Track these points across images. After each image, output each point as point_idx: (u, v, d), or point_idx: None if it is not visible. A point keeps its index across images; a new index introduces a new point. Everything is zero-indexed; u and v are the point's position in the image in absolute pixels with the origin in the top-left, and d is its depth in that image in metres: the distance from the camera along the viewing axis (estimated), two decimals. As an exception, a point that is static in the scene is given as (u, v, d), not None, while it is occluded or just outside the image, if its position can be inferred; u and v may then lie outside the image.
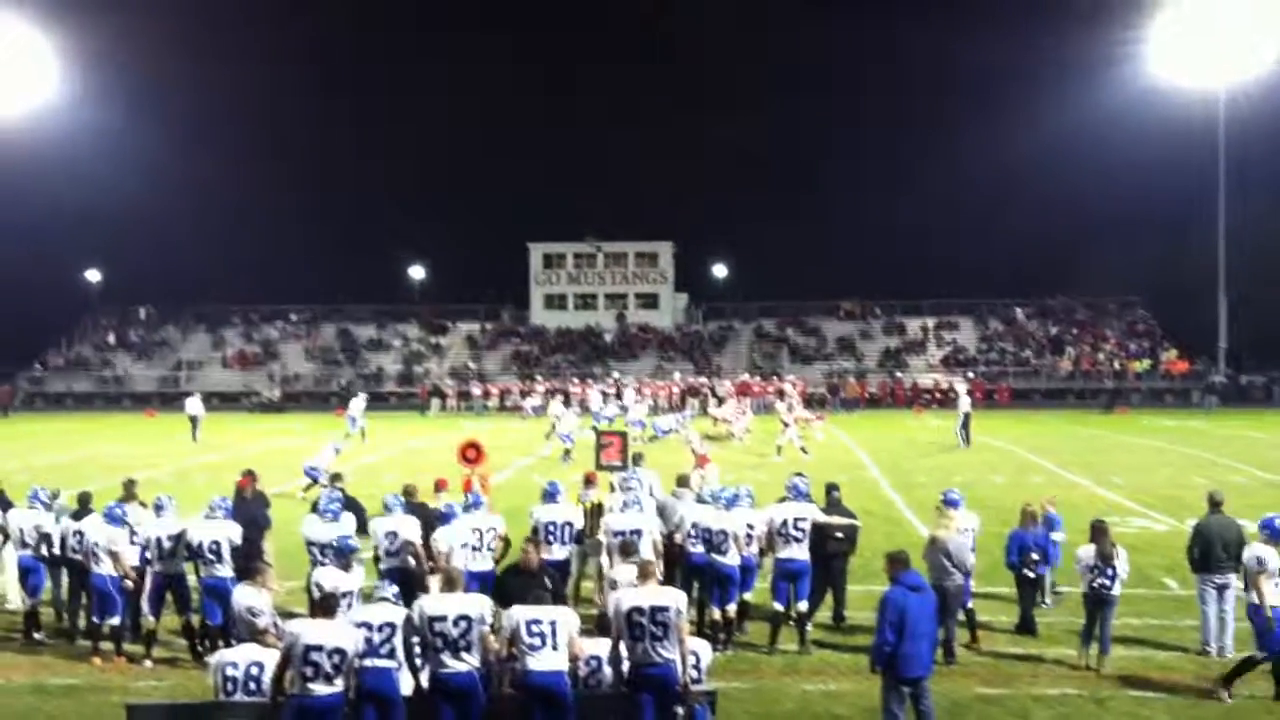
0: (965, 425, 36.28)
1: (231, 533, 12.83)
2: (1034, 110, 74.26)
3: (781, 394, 47.17)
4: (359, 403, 40.51)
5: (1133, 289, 71.39)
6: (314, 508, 13.84)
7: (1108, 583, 12.23)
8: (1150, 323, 69.34)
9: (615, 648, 9.53)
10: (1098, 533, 12.47)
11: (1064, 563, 14.46)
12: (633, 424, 38.78)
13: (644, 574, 9.91)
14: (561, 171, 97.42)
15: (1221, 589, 12.70)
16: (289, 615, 11.88)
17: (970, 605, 13.27)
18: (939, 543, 12.56)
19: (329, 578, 10.92)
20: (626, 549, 11.65)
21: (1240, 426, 44.18)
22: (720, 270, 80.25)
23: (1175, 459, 32.19)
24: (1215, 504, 13.17)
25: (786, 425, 33.50)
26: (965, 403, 36.94)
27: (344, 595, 10.23)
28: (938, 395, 60.04)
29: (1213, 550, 12.72)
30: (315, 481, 23.34)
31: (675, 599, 9.57)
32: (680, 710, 9.51)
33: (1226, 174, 61.89)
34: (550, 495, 13.86)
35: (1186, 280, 66.25)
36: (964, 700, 11.35)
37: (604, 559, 13.45)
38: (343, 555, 11.26)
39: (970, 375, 58.69)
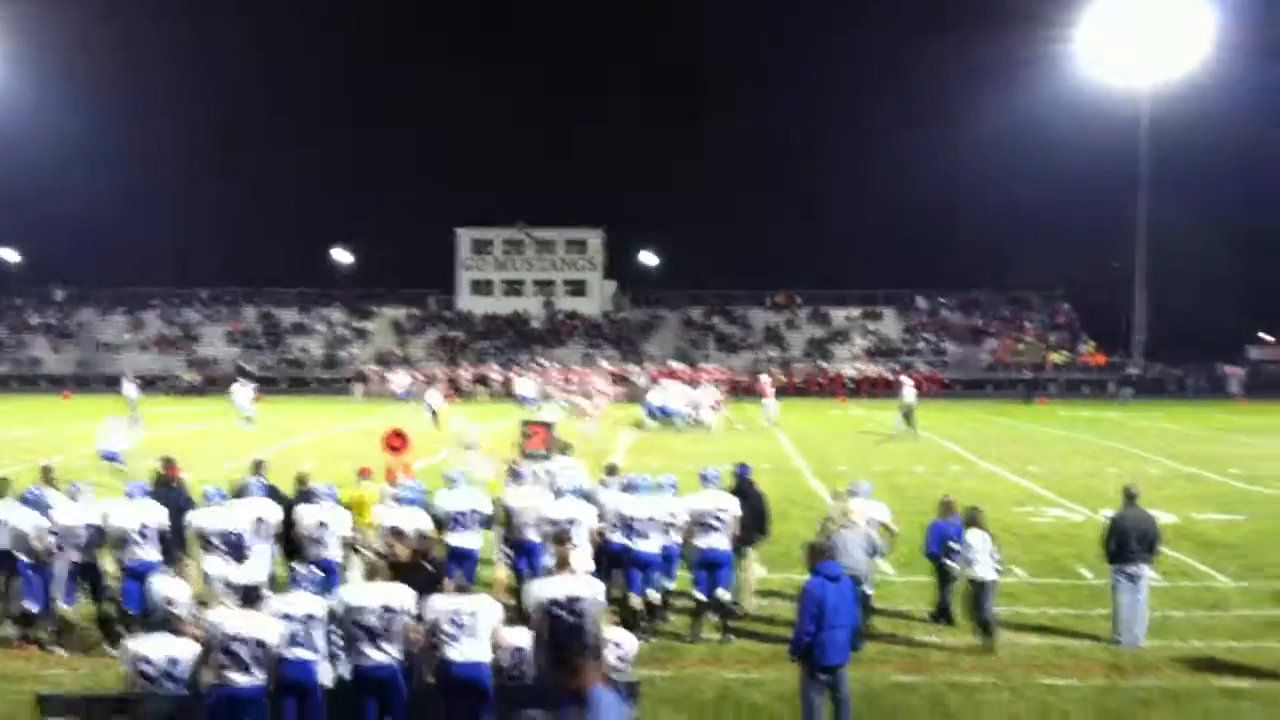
0: (909, 416, 36.52)
1: (159, 516, 12.64)
2: (963, 106, 75.64)
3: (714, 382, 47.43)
4: (245, 390, 39.95)
5: (1055, 283, 72.70)
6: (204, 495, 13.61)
7: (992, 566, 12.65)
8: (1070, 316, 70.63)
9: (537, 637, 9.54)
10: (972, 519, 12.82)
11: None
12: (655, 409, 39.33)
13: (562, 563, 9.94)
14: (491, 157, 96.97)
15: (1135, 579, 12.95)
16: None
17: (869, 592, 13.47)
18: (831, 538, 12.69)
19: (217, 568, 10.77)
20: (559, 539, 11.61)
21: (1155, 418, 45.19)
22: (649, 258, 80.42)
23: (1091, 450, 32.85)
24: (1130, 497, 13.42)
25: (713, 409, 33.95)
26: (910, 394, 37.13)
27: (237, 587, 10.07)
28: (864, 385, 60.67)
29: (1128, 542, 12.96)
30: (113, 461, 23.51)
31: (592, 589, 9.61)
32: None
33: (1148, 172, 63.19)
34: (453, 482, 13.94)
35: (1106, 275, 67.62)
36: (880, 687, 11.50)
37: (496, 551, 13.87)
38: (234, 546, 11.09)
39: (902, 371, 59.27)
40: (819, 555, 10.18)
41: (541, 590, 9.53)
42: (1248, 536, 19.29)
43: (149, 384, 61.17)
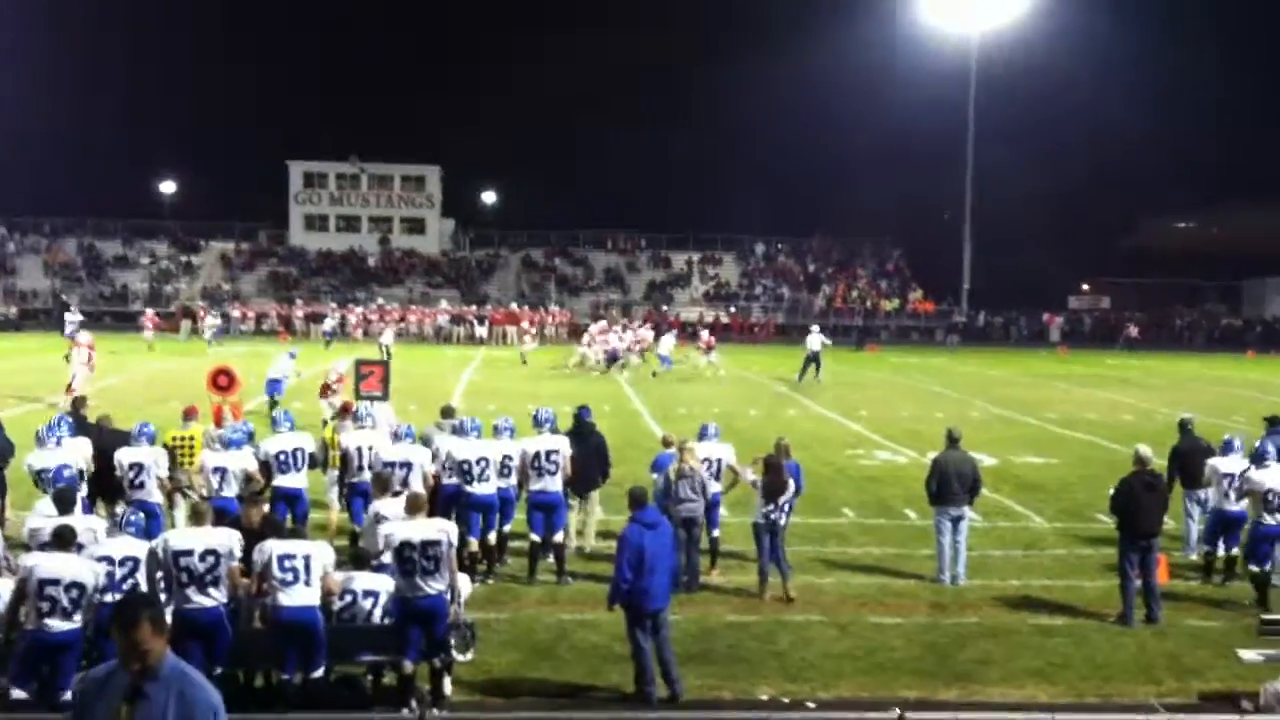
0: (816, 362, 36.55)
1: None
2: (799, 52, 76.23)
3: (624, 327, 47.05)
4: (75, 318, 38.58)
5: (887, 231, 74.49)
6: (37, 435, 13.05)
7: (780, 515, 12.71)
8: (900, 263, 72.54)
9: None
10: (770, 467, 12.88)
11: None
12: (663, 360, 38.91)
13: (414, 507, 9.79)
14: (326, 89, 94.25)
15: (957, 520, 13.38)
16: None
17: (716, 534, 13.68)
18: (683, 471, 12.81)
19: (47, 508, 10.34)
20: (384, 482, 11.39)
21: (979, 364, 46.88)
22: (489, 197, 79.52)
23: (919, 395, 33.90)
24: (953, 440, 13.82)
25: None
26: (815, 341, 37.10)
27: (55, 529, 9.67)
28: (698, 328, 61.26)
29: (949, 483, 13.35)
30: None
31: (447, 531, 9.53)
32: (453, 638, 9.52)
33: (975, 123, 65.03)
34: (276, 423, 13.80)
35: (935, 224, 69.61)
36: (714, 626, 11.71)
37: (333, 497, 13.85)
38: (58, 485, 10.68)
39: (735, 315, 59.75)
40: (637, 502, 10.26)
41: (395, 532, 9.42)
42: (1062, 479, 20.19)
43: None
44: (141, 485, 12.57)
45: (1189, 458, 14.34)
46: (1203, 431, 15.64)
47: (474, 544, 12.94)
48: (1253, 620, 11.08)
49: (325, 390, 21.45)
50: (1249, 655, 10.25)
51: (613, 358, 38.78)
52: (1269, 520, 12.73)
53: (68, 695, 7.99)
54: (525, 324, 51.38)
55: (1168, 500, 12.69)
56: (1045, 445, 24.05)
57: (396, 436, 13.47)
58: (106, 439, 13.52)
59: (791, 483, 12.93)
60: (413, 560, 9.33)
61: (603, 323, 46.04)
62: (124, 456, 12.70)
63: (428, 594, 9.33)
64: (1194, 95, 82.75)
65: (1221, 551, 13.62)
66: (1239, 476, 13.12)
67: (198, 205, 75.37)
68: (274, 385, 24.19)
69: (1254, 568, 12.78)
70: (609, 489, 14.83)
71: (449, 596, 9.48)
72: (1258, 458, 13.10)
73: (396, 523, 9.81)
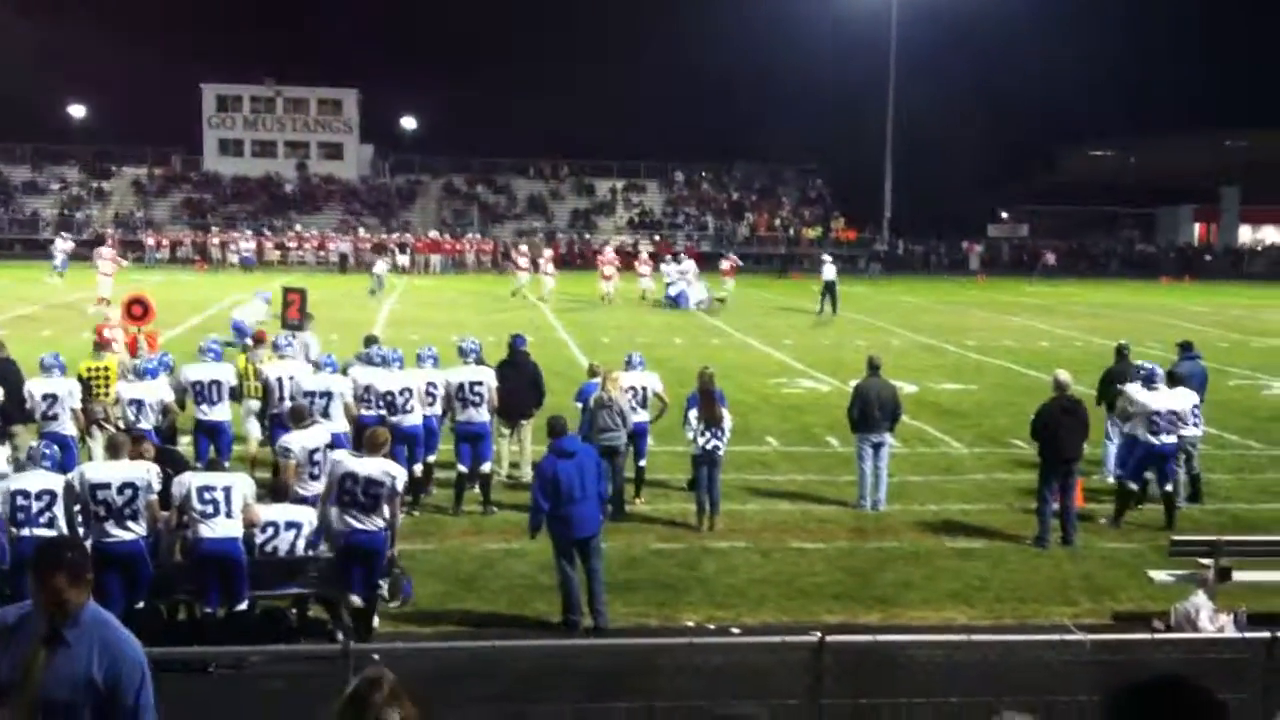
0: (831, 293, 36.27)
1: None
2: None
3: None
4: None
5: (809, 160, 74.52)
6: None
7: (718, 444, 12.72)
8: (823, 191, 72.75)
9: (323, 510, 9.46)
10: (706, 396, 12.85)
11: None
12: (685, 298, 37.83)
13: (373, 445, 9.57)
14: (238, 8, 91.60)
15: (878, 447, 13.54)
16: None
17: (643, 464, 13.72)
18: (603, 400, 12.81)
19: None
20: (299, 414, 11.13)
21: (899, 292, 47.34)
22: (409, 123, 78.06)
23: (840, 323, 34.18)
24: (874, 367, 13.94)
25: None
26: (829, 271, 36.77)
27: None
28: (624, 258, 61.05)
29: (870, 410, 13.48)
30: None
31: (389, 473, 9.38)
32: (384, 582, 9.50)
33: (897, 53, 65.07)
34: (203, 353, 13.69)
35: (858, 154, 69.74)
36: (639, 554, 11.80)
37: (251, 429, 13.91)
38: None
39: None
40: (554, 432, 10.26)
41: (342, 463, 9.34)
42: (980, 405, 20.53)
43: None
44: (55, 417, 12.33)
45: (1118, 381, 14.39)
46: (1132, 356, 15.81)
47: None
48: (1164, 542, 11.38)
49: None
50: (1160, 576, 10.57)
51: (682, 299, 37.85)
52: (1153, 440, 12.85)
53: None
54: (516, 255, 45.62)
55: (1088, 425, 12.89)
56: (964, 372, 24.41)
57: (318, 366, 13.32)
58: (9, 370, 13.22)
59: (726, 411, 12.96)
60: (353, 494, 9.25)
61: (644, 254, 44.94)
62: (36, 388, 12.44)
63: (364, 530, 9.27)
64: (1113, 27, 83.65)
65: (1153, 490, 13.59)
66: (1128, 396, 13.25)
67: (108, 129, 73.20)
68: (240, 329, 21.49)
69: (1129, 484, 13.11)
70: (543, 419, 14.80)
71: (386, 535, 9.41)
72: (1147, 380, 13.25)
73: (345, 454, 9.75)
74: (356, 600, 9.29)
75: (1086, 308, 41.45)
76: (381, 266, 41.99)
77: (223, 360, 13.80)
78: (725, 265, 40.85)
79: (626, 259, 46.58)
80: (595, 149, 72.11)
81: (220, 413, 13.18)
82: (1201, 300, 45.28)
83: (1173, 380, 13.61)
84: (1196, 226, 77.64)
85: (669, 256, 46.52)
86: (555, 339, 28.23)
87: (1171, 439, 12.99)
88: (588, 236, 64.50)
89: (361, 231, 59.96)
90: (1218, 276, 61.55)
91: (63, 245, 42.23)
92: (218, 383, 13.20)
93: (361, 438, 10.16)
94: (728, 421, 12.90)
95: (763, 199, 71.36)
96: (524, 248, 46.34)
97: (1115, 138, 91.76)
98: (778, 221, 68.37)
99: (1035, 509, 12.62)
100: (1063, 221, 78.84)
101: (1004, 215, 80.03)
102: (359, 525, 9.26)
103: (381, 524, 9.34)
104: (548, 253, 43.38)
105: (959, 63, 76.03)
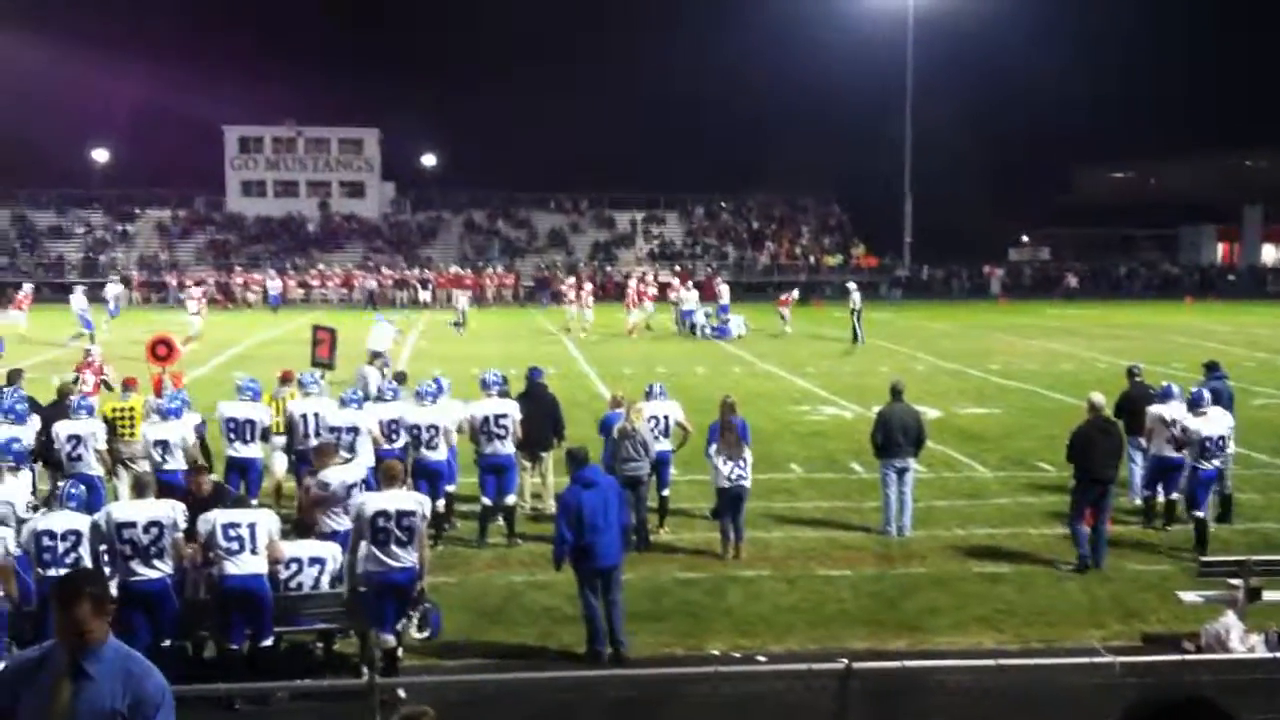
0: (858, 318, 36.18)
1: None
2: (742, 13, 75.89)
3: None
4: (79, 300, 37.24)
5: (828, 187, 74.64)
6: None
7: (743, 475, 12.65)
8: (842, 218, 72.78)
9: (354, 550, 9.42)
10: (727, 425, 12.86)
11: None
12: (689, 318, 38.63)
13: (390, 477, 9.62)
14: (262, 52, 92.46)
15: (901, 472, 13.50)
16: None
17: (666, 493, 13.70)
18: (626, 431, 12.82)
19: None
20: (324, 453, 11.09)
21: (921, 317, 47.21)
22: (429, 160, 78.60)
23: (863, 349, 34.09)
24: (897, 393, 13.93)
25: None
26: (856, 299, 36.61)
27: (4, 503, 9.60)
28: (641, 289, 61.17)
29: (893, 436, 13.46)
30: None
31: (420, 503, 9.43)
32: (414, 614, 9.50)
33: (914, 78, 65.22)
34: (240, 391, 13.70)
35: (877, 180, 69.84)
36: (664, 584, 11.77)
37: (276, 463, 13.88)
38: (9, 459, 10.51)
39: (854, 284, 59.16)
40: (575, 462, 10.26)
41: (370, 502, 9.33)
42: (1005, 428, 20.42)
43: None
44: (79, 458, 12.43)
45: (1136, 404, 14.41)
46: (1144, 378, 15.81)
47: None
48: (1193, 563, 11.28)
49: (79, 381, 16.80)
50: (1189, 597, 10.46)
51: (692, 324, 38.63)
52: (1205, 465, 12.97)
53: None
54: (568, 289, 44.14)
55: (1122, 446, 12.86)
56: (987, 396, 24.31)
57: (344, 402, 13.37)
58: (47, 412, 13.37)
59: (747, 448, 12.92)
60: (388, 531, 9.20)
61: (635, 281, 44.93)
62: (61, 429, 12.55)
63: (403, 566, 9.22)
64: (1128, 49, 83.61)
65: (1161, 497, 13.80)
66: (1179, 424, 13.29)
67: (132, 173, 73.90)
68: (376, 354, 22.75)
69: (1198, 514, 13.00)
70: (557, 451, 14.82)
71: (419, 570, 9.40)
72: (1193, 404, 13.31)
73: (370, 493, 9.75)
74: (390, 639, 9.23)
75: (1109, 329, 41.24)
76: (463, 301, 41.96)
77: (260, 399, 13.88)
78: (783, 297, 40.83)
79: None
80: (613, 183, 72.40)
81: (252, 450, 13.33)
82: (1225, 320, 45.00)
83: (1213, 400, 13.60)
84: (1220, 246, 77.29)
85: (688, 284, 46.54)
86: (576, 371, 28.26)
87: (1217, 463, 13.01)
88: (609, 269, 64.66)
89: (384, 270, 60.24)
90: (1241, 296, 61.16)
91: (114, 290, 42.16)
92: (252, 422, 13.32)
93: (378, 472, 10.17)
94: (748, 454, 12.86)
95: (782, 228, 71.40)
96: (571, 280, 46.19)
97: (1135, 159, 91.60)
98: (798, 250, 68.37)
99: (1068, 532, 12.51)
100: (1084, 244, 78.67)
101: (1024, 239, 79.89)
102: (397, 563, 9.19)
103: (416, 559, 9.32)
104: (588, 285, 43.52)
105: (976, 86, 76.16)
